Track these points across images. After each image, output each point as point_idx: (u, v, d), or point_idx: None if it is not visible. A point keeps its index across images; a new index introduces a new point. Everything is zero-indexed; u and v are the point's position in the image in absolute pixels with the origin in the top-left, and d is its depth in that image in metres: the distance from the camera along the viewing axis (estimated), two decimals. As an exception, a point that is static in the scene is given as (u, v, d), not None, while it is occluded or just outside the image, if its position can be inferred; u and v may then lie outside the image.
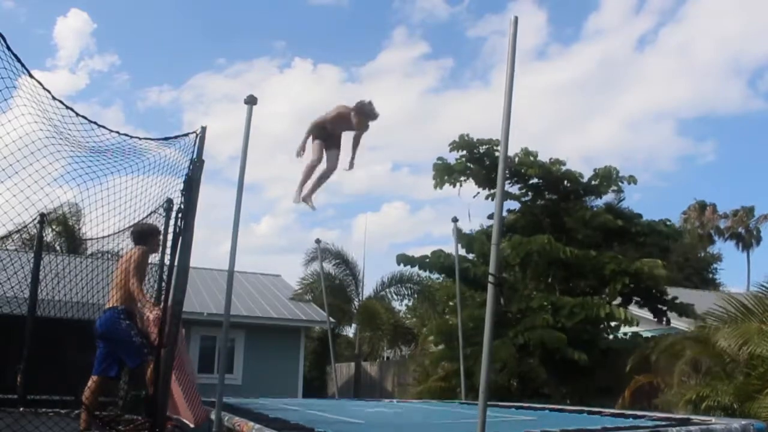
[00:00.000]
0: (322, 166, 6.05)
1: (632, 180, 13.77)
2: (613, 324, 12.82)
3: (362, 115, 5.90)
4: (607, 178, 13.66)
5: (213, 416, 5.51)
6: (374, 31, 55.77)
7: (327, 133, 6.03)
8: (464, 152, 13.47)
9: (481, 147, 13.34)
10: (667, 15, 52.64)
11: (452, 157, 13.78)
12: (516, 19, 4.08)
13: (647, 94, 51.55)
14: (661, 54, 49.60)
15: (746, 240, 40.51)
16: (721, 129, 54.37)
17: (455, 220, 11.17)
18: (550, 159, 13.60)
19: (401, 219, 51.58)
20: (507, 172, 13.37)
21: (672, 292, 14.14)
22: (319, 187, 6.13)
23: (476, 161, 13.54)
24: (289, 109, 50.67)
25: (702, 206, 41.00)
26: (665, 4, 51.64)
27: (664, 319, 13.63)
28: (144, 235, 5.79)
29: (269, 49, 54.88)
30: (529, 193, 14.14)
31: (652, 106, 52.44)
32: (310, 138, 6.01)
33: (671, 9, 51.33)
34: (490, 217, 14.18)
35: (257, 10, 51.65)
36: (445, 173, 13.61)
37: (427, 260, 13.44)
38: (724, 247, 40.11)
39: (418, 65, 53.32)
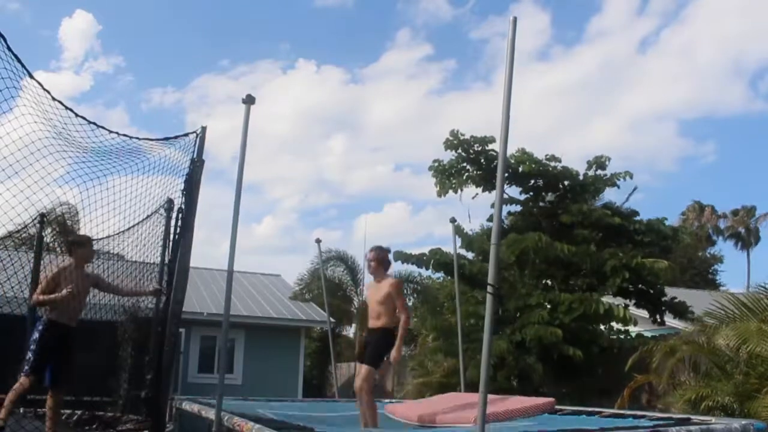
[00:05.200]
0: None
1: (628, 175, 13.81)
2: (612, 323, 12.81)
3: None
4: (600, 166, 13.74)
5: (213, 416, 5.51)
6: (378, 33, 55.71)
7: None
8: (459, 151, 13.47)
9: (475, 145, 13.32)
10: (669, 17, 52.68)
11: (447, 156, 13.79)
12: (515, 19, 4.08)
13: (648, 95, 51.63)
14: (662, 55, 49.64)
15: (746, 240, 40.52)
16: (721, 130, 54.40)
17: (453, 220, 11.20)
18: (546, 156, 13.60)
19: (403, 219, 51.62)
20: (505, 174, 13.39)
21: (671, 291, 14.13)
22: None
23: (472, 162, 13.54)
24: (292, 110, 50.72)
25: (701, 207, 41.01)
26: (667, 6, 51.69)
27: (660, 318, 13.64)
28: (67, 245, 5.85)
29: (273, 50, 54.87)
30: (531, 194, 14.14)
31: (654, 108, 52.47)
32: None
33: (673, 11, 51.36)
34: (490, 219, 14.19)
35: (261, 12, 51.67)
36: (444, 176, 13.60)
37: (425, 257, 13.46)
38: (723, 248, 40.17)
39: (421, 66, 53.37)
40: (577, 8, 50.99)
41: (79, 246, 5.68)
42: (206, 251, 54.79)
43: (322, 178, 53.26)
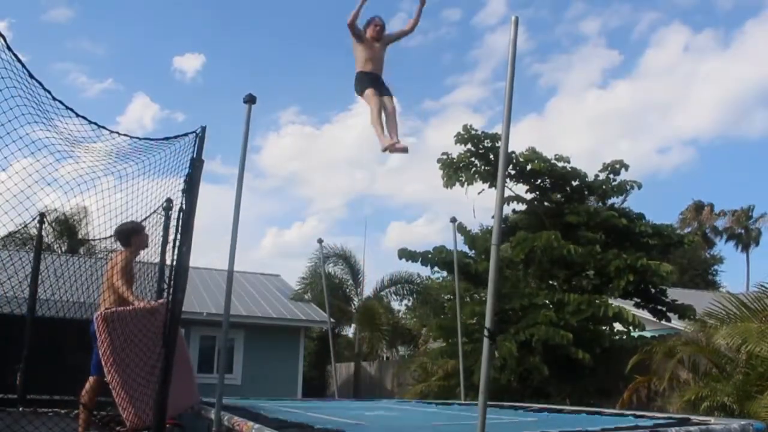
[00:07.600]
0: (386, 107, 5.69)
1: (637, 185, 13.91)
2: (618, 326, 12.77)
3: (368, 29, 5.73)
4: (614, 171, 13.77)
5: (213, 416, 5.52)
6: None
7: (373, 77, 5.79)
8: (469, 146, 13.46)
9: (485, 141, 13.32)
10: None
11: (457, 151, 13.76)
12: (516, 19, 4.09)
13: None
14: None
15: (746, 240, 40.50)
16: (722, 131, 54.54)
17: (453, 220, 11.21)
18: (555, 155, 13.60)
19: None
20: (513, 171, 13.40)
21: (671, 292, 14.12)
22: (396, 127, 5.77)
23: (481, 157, 13.51)
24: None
25: (699, 206, 41.00)
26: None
27: (667, 321, 13.64)
28: (125, 235, 5.76)
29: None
30: (537, 193, 14.11)
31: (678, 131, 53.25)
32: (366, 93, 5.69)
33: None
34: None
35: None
36: (451, 169, 13.59)
37: (429, 255, 13.45)
38: (723, 249, 40.16)
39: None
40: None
41: (137, 234, 5.69)
42: (207, 251, 54.62)
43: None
